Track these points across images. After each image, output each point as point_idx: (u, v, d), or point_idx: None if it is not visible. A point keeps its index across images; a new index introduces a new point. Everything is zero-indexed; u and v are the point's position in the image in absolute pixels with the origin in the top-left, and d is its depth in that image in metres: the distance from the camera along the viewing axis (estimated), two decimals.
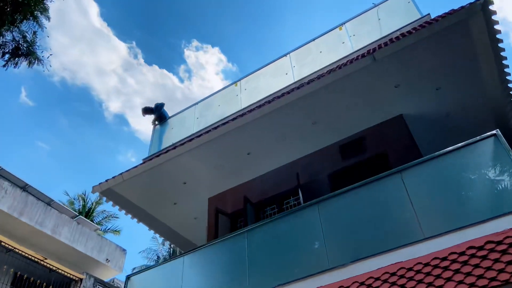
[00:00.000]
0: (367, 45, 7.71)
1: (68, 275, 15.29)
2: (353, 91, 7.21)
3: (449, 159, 5.52)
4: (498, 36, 6.06)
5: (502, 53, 6.30)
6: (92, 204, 30.66)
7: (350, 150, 7.86)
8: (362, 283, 4.91)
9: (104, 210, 30.72)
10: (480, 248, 4.30)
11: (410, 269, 4.64)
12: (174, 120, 10.29)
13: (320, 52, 8.53)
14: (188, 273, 6.91)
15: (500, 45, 6.18)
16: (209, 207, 9.11)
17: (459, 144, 5.47)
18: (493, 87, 6.86)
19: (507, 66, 6.49)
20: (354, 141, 7.89)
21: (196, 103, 10.04)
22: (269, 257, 6.28)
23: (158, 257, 34.65)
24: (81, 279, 15.77)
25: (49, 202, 16.48)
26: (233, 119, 8.01)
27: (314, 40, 8.86)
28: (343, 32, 8.44)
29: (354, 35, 8.24)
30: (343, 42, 8.27)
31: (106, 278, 17.70)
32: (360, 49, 7.76)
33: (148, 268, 7.55)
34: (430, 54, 6.62)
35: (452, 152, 5.49)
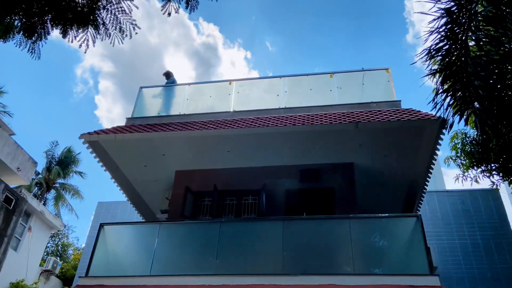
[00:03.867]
0: (350, 104, 9.70)
1: None
2: (328, 139, 9.24)
3: (384, 221, 7.99)
4: (438, 146, 8.60)
5: (435, 156, 8.92)
6: None
7: (307, 176, 9.97)
8: None
9: None
10: None
11: None
12: (162, 90, 11.11)
13: (310, 89, 10.30)
14: (161, 240, 8.41)
15: (436, 151, 8.76)
16: (176, 178, 10.48)
17: (393, 214, 7.98)
18: (419, 171, 9.57)
19: (433, 164, 9.19)
20: (312, 170, 10.00)
21: (188, 84, 11.00)
22: (235, 248, 8.17)
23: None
24: None
25: None
26: (225, 124, 9.41)
27: (307, 75, 10.55)
28: (333, 80, 10.29)
29: (340, 87, 10.16)
30: (331, 90, 10.15)
31: (12, 185, 17.60)
32: (344, 104, 9.71)
33: (123, 223, 8.78)
34: (393, 135, 8.94)
35: (388, 218, 7.96)
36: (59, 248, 34.90)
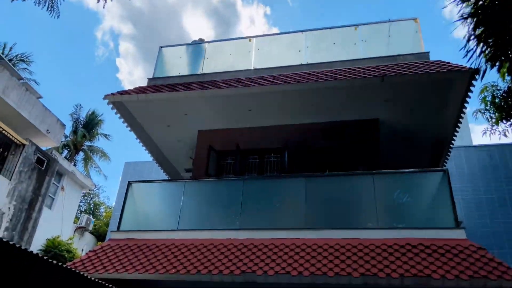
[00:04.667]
0: (376, 57, 9.35)
1: (13, 138, 15.67)
2: (353, 94, 9.03)
3: (409, 176, 7.91)
4: (467, 99, 8.27)
5: (464, 110, 8.61)
6: None
7: (330, 133, 9.86)
8: (331, 246, 7.25)
9: None
10: (414, 246, 6.86)
11: (366, 246, 7.08)
12: (181, 49, 11.00)
13: (334, 43, 9.96)
14: (187, 197, 8.63)
15: (465, 104, 8.44)
16: (199, 138, 10.59)
17: (419, 169, 7.87)
18: (447, 126, 9.31)
19: (462, 117, 8.89)
20: (336, 127, 9.87)
21: (208, 42, 10.84)
22: (259, 205, 8.32)
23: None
24: (23, 145, 16.26)
25: None
26: (246, 82, 9.30)
27: (330, 28, 10.17)
28: (357, 33, 9.90)
29: (365, 40, 9.79)
30: (355, 44, 9.80)
31: (43, 147, 18.24)
32: (369, 58, 9.38)
33: (150, 181, 9.03)
34: (421, 89, 8.66)
35: (413, 173, 7.87)
36: (91, 206, 36.52)
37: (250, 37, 10.55)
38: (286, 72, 9.58)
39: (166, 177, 12.11)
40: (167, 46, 11.08)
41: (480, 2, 4.18)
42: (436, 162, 10.59)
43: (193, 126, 10.53)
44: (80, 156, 34.43)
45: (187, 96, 9.30)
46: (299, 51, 10.04)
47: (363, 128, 9.73)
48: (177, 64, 10.78)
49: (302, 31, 10.31)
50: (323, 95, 9.10)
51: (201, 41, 11.31)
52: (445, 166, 10.69)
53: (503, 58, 4.25)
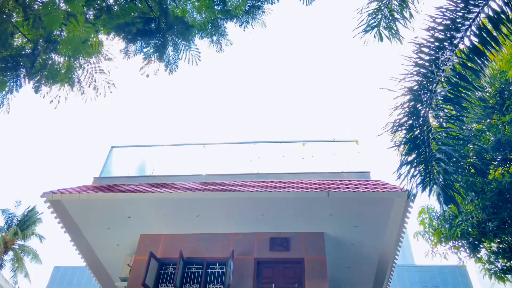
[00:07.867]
0: (322, 173, 9.83)
1: None
2: (299, 206, 9.21)
3: None
4: (406, 219, 8.68)
5: (404, 229, 8.96)
6: None
7: (277, 244, 9.73)
8: None
9: None
10: None
11: None
12: (132, 151, 11.01)
13: (283, 156, 10.43)
14: None
15: (405, 224, 8.82)
16: (140, 243, 10.00)
17: None
18: (389, 244, 9.54)
19: (403, 237, 9.21)
20: (282, 238, 9.80)
21: (160, 145, 10.99)
22: None
23: None
24: None
25: None
26: (196, 187, 9.29)
27: (280, 142, 10.75)
28: (305, 148, 10.50)
29: (312, 156, 10.35)
30: (303, 158, 10.32)
31: None
32: (316, 173, 9.84)
33: None
34: (363, 206, 9.00)
35: None
36: None
37: (204, 144, 10.84)
38: (236, 179, 9.72)
39: (97, 286, 11.00)
40: (118, 147, 11.05)
41: (410, 133, 4.72)
42: (381, 281, 10.55)
43: (136, 229, 10.02)
44: (9, 255, 31.00)
45: (132, 198, 9.03)
46: (250, 160, 10.37)
47: (310, 241, 9.71)
48: (127, 165, 10.64)
49: (253, 142, 10.79)
50: (271, 205, 9.19)
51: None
52: (389, 285, 10.65)
53: (432, 183, 4.65)
